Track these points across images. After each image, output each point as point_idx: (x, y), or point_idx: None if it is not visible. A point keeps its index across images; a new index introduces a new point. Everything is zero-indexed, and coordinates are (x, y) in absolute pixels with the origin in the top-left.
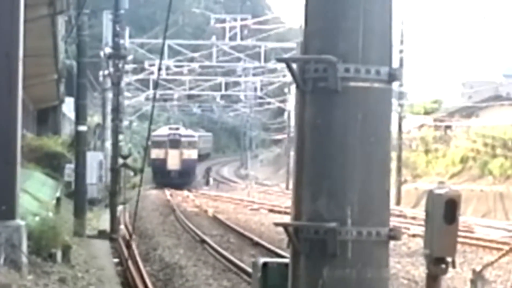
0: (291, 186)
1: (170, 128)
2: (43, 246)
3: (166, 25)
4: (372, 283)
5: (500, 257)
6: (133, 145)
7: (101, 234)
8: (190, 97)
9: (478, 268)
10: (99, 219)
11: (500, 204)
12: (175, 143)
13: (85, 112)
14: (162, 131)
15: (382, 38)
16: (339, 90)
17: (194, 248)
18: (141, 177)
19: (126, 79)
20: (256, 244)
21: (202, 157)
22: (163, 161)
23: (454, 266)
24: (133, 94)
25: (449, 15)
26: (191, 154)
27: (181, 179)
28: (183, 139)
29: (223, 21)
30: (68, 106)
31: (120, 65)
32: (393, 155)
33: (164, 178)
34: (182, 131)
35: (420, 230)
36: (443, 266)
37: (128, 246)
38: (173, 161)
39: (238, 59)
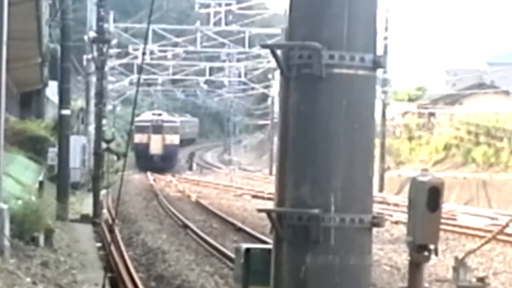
0: (274, 172)
1: (153, 114)
2: (25, 229)
3: (151, 10)
4: (354, 270)
5: (482, 245)
6: (117, 130)
7: (84, 218)
8: (174, 82)
9: (460, 256)
10: (82, 203)
11: (483, 191)
12: (157, 129)
13: (69, 96)
14: (145, 116)
15: (367, 25)
16: (324, 77)
17: (177, 233)
18: (124, 161)
19: (110, 63)
20: (239, 230)
21: (188, 142)
22: (146, 146)
23: (436, 254)
24: (117, 79)
25: (433, 2)
26: (173, 139)
27: (163, 163)
28: (165, 124)
29: (208, 6)
30: (52, 90)
31: (104, 50)
32: (377, 142)
33: (147, 162)
34: (165, 116)
35: (403, 217)
36: (426, 253)
37: (111, 231)
38: (156, 145)
39: (223, 45)
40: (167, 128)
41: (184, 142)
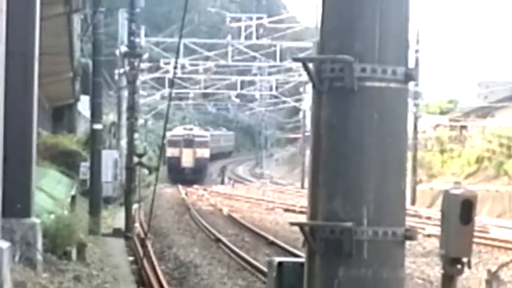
0: (306, 185)
1: (184, 129)
2: (58, 244)
3: (182, 24)
4: (387, 283)
5: None
6: (148, 144)
7: (116, 232)
8: (205, 95)
9: (493, 269)
10: (114, 218)
11: None
12: (189, 143)
13: (101, 111)
14: (177, 131)
15: (398, 38)
16: (356, 90)
17: (209, 246)
18: (156, 175)
19: (141, 77)
20: (271, 243)
21: (224, 155)
22: (178, 159)
23: (469, 267)
24: (148, 93)
25: (465, 14)
26: (204, 153)
27: (194, 175)
28: (196, 139)
29: (239, 20)
30: (84, 104)
31: (136, 64)
32: (409, 155)
33: (179, 174)
34: (196, 131)
35: (435, 230)
36: (459, 266)
37: (143, 245)
38: (187, 159)
39: (254, 58)
40: (197, 143)
41: (220, 155)
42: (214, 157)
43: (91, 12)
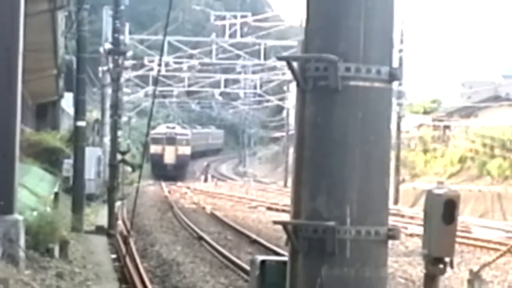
0: (289, 184)
1: (167, 127)
2: (40, 241)
3: (167, 22)
4: (370, 282)
5: (497, 258)
6: (132, 141)
7: (99, 230)
8: (189, 93)
9: (475, 268)
10: (97, 215)
11: (498, 204)
12: (171, 141)
13: (84, 108)
14: (160, 129)
15: (383, 37)
16: (340, 89)
17: (191, 245)
18: (139, 173)
19: (125, 75)
20: (254, 242)
21: (213, 152)
22: (161, 156)
23: (452, 266)
24: (132, 90)
25: (449, 14)
26: (185, 150)
27: (176, 171)
28: (178, 137)
29: (223, 18)
30: (67, 102)
31: (120, 61)
32: (392, 154)
33: (161, 170)
34: (178, 130)
35: (418, 230)
36: (441, 266)
37: (126, 242)
38: (169, 156)
39: (238, 57)
40: (179, 140)
41: (209, 152)
42: (203, 154)
43: (76, 9)
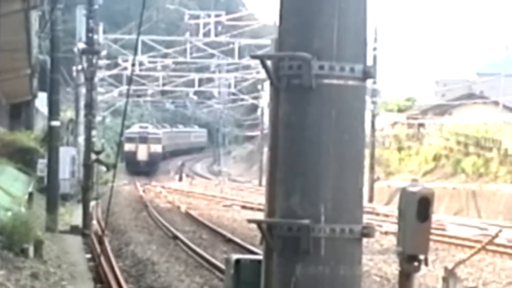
0: (264, 182)
1: (140, 127)
2: (15, 241)
3: (140, 21)
4: (345, 280)
5: (472, 255)
6: (106, 141)
7: (74, 230)
8: (163, 93)
9: (450, 266)
10: (72, 215)
11: (473, 202)
12: (144, 139)
13: (58, 107)
14: (134, 129)
15: (356, 35)
16: (313, 87)
17: (166, 244)
18: (114, 172)
19: (99, 74)
20: (229, 241)
21: (196, 150)
22: (134, 153)
23: (426, 264)
24: (106, 90)
25: (423, 12)
26: (156, 148)
27: (148, 167)
28: (150, 136)
29: (197, 17)
30: (41, 101)
31: (94, 61)
32: (366, 152)
33: (135, 167)
34: (150, 129)
35: (393, 228)
36: (416, 263)
37: (101, 242)
38: (142, 153)
39: (212, 56)
40: (151, 139)
41: (192, 150)
42: (186, 152)
43: (49, 9)
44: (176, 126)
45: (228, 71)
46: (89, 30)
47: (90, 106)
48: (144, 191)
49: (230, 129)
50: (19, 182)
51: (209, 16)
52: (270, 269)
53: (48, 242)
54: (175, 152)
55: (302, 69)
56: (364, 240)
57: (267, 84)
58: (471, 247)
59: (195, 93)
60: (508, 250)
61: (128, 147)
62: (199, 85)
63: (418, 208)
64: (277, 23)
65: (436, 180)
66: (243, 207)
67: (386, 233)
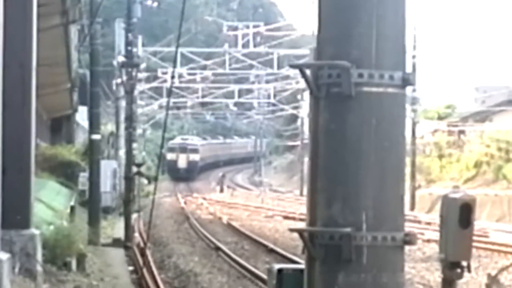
0: (305, 192)
1: (182, 139)
2: (57, 254)
3: (179, 33)
4: None
5: None
6: (147, 153)
7: (116, 242)
8: (203, 104)
9: (493, 273)
10: (114, 227)
11: None
12: (183, 149)
13: (99, 121)
14: (176, 140)
15: (395, 43)
16: (353, 96)
17: (208, 255)
18: (155, 184)
19: (139, 87)
20: (271, 251)
21: (245, 160)
22: (175, 162)
23: (469, 271)
24: (146, 102)
25: (462, 19)
26: (195, 157)
27: (187, 174)
28: (189, 146)
29: (236, 28)
30: (82, 115)
31: (133, 74)
32: (407, 160)
33: (176, 173)
34: (189, 141)
35: (435, 235)
36: (459, 270)
37: (143, 254)
38: (182, 161)
39: (251, 66)
40: (190, 149)
41: (247, 160)
42: (228, 162)
43: (88, 23)
44: (231, 137)
45: (267, 81)
46: (128, 43)
47: (130, 119)
48: (185, 202)
49: (270, 140)
50: (61, 196)
51: (247, 27)
52: (313, 278)
53: (91, 255)
54: (215, 163)
55: (341, 77)
56: (406, 248)
57: (306, 94)
58: None
59: (235, 104)
60: None
61: (170, 156)
62: (239, 96)
63: (460, 215)
64: (316, 33)
65: (478, 187)
66: (285, 217)
67: (428, 241)
